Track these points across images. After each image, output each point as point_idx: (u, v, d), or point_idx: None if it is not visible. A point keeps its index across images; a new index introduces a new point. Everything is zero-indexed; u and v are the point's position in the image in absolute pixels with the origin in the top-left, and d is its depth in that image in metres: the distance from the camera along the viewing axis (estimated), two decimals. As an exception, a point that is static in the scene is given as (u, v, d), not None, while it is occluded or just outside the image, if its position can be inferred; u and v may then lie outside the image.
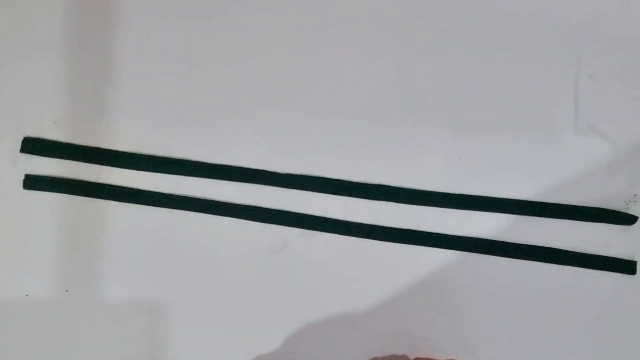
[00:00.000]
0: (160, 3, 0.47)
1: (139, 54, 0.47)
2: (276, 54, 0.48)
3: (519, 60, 0.49)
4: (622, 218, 0.50)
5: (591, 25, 0.49)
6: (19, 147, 0.46)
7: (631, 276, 0.50)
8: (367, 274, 0.49)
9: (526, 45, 0.49)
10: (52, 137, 0.46)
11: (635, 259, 0.50)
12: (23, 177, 0.46)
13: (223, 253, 0.48)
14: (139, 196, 0.47)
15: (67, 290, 0.47)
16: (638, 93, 0.50)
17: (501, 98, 0.49)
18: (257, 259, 0.48)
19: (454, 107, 0.49)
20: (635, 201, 0.50)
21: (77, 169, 0.46)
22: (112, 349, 0.48)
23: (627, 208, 0.50)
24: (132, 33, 0.47)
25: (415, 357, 0.48)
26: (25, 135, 0.46)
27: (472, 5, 0.49)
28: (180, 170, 0.47)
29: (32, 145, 0.46)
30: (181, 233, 0.48)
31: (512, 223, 0.49)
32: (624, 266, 0.50)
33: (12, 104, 0.46)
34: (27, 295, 0.46)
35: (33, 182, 0.46)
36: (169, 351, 0.48)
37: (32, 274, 0.46)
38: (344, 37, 0.48)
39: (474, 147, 0.49)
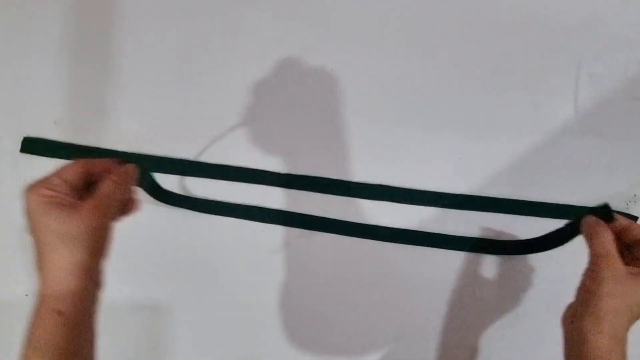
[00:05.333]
0: (160, 4, 0.47)
1: (139, 55, 0.47)
2: (276, 54, 0.48)
3: (519, 61, 0.49)
4: (622, 218, 0.50)
5: (591, 25, 0.49)
6: (19, 147, 0.46)
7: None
8: (368, 273, 0.49)
9: (526, 45, 0.49)
10: (52, 137, 0.46)
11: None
12: (23, 180, 0.46)
13: (223, 253, 0.48)
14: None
15: (67, 290, 0.47)
16: (638, 93, 0.50)
17: (501, 98, 0.49)
18: (257, 259, 0.48)
19: (455, 107, 0.49)
20: (635, 201, 0.50)
21: (77, 169, 0.46)
22: (112, 349, 0.48)
23: (627, 208, 0.50)
24: (132, 34, 0.47)
25: None
26: (25, 135, 0.46)
27: (472, 8, 0.49)
28: (181, 170, 0.47)
29: (32, 145, 0.46)
30: (181, 233, 0.48)
31: (513, 223, 0.49)
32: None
33: (12, 104, 0.46)
34: (27, 295, 0.46)
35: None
36: (169, 351, 0.48)
37: (32, 274, 0.46)
38: (344, 37, 0.48)
39: (474, 147, 0.49)
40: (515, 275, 0.49)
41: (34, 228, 0.33)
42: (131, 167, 0.37)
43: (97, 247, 0.34)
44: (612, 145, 0.50)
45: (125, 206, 0.38)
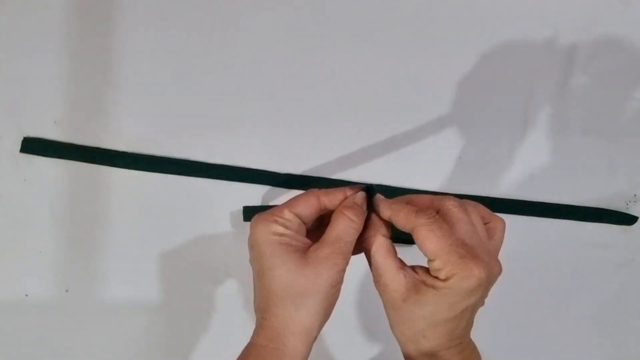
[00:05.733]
0: (160, 4, 0.47)
1: (139, 54, 0.47)
2: (276, 53, 0.48)
3: (519, 61, 0.49)
4: (622, 218, 0.50)
5: (591, 25, 0.49)
6: (19, 147, 0.46)
7: (630, 276, 0.50)
8: (367, 273, 0.49)
9: (526, 45, 0.49)
10: (52, 137, 0.46)
11: (635, 258, 0.50)
12: (23, 180, 0.46)
13: (223, 253, 0.48)
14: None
15: (67, 290, 0.47)
16: (638, 93, 0.50)
17: (501, 98, 0.49)
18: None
19: (454, 107, 0.49)
20: (635, 201, 0.50)
21: (77, 168, 0.46)
22: (112, 349, 0.48)
23: (627, 208, 0.50)
24: (132, 33, 0.47)
25: None
26: (25, 135, 0.46)
27: (472, 7, 0.49)
28: (180, 170, 0.47)
29: (32, 145, 0.46)
30: (181, 232, 0.48)
31: (513, 223, 0.49)
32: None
33: (12, 104, 0.46)
34: (27, 295, 0.46)
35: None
36: (169, 351, 0.48)
37: (32, 274, 0.46)
38: (344, 37, 0.48)
39: (474, 147, 0.49)
40: (513, 276, 0.49)
41: (259, 268, 0.29)
42: (363, 196, 0.31)
43: (325, 308, 0.29)
44: (612, 145, 0.50)
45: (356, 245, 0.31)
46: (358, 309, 0.49)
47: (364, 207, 0.31)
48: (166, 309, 0.48)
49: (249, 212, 0.47)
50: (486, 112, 0.49)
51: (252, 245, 0.30)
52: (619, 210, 0.50)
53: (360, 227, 0.30)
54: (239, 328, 0.49)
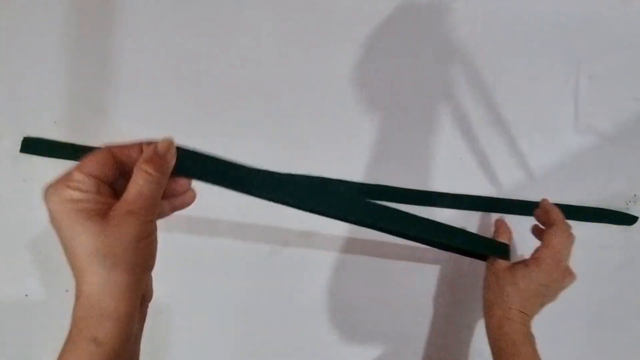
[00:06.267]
0: (160, 4, 0.47)
1: (139, 55, 0.47)
2: (276, 53, 0.48)
3: (519, 61, 0.49)
4: (622, 218, 0.50)
5: (591, 25, 0.49)
6: (19, 147, 0.46)
7: (630, 276, 0.50)
8: (367, 273, 0.49)
9: (526, 45, 0.49)
10: (52, 137, 0.46)
11: (635, 258, 0.50)
12: (23, 180, 0.46)
13: (223, 253, 0.48)
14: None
15: (67, 291, 0.47)
16: (638, 93, 0.50)
17: (501, 98, 0.49)
18: (257, 259, 0.48)
19: (454, 107, 0.49)
20: (635, 201, 0.50)
21: (77, 169, 0.46)
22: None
23: (627, 208, 0.50)
24: (132, 34, 0.47)
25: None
26: (25, 135, 0.46)
27: (473, 7, 0.49)
28: (180, 170, 0.47)
29: (32, 145, 0.46)
30: (181, 233, 0.48)
31: (513, 223, 0.49)
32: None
33: (12, 104, 0.46)
34: (27, 295, 0.46)
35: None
36: (169, 351, 0.48)
37: (32, 274, 0.46)
38: (344, 37, 0.48)
39: (474, 147, 0.49)
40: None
41: (62, 240, 0.27)
42: (165, 146, 0.30)
43: (139, 261, 0.28)
44: (612, 145, 0.50)
45: (175, 197, 0.32)
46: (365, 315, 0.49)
47: (169, 157, 0.30)
48: (166, 309, 0.48)
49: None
50: (486, 112, 0.49)
51: (51, 220, 0.28)
52: (619, 210, 0.50)
53: (165, 179, 0.29)
54: (240, 327, 0.49)
